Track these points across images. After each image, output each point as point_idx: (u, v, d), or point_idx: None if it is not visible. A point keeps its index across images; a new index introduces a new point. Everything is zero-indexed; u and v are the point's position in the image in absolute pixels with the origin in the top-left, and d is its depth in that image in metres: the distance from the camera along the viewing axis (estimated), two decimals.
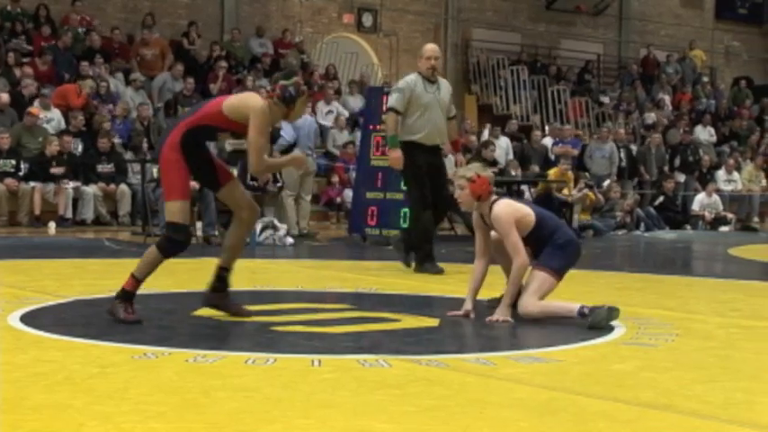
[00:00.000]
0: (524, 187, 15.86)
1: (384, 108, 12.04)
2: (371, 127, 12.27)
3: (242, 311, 5.36)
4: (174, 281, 7.63)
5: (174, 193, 4.97)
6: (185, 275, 8.19)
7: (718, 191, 18.78)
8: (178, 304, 5.96)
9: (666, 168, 19.47)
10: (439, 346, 4.66)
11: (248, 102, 5.03)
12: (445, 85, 8.48)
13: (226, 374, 3.88)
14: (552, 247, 5.54)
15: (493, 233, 5.65)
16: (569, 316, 5.38)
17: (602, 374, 4.07)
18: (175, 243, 5.01)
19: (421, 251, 8.25)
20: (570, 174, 15.56)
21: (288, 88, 5.11)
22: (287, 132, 12.43)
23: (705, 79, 25.71)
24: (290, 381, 3.80)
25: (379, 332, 5.09)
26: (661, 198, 17.79)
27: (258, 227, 11.42)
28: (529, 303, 5.46)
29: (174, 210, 4.93)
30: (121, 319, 4.99)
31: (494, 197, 5.62)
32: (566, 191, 15.09)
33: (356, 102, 18.41)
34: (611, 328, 5.18)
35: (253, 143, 4.95)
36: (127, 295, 5.03)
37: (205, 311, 5.54)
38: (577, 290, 7.32)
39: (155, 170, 11.82)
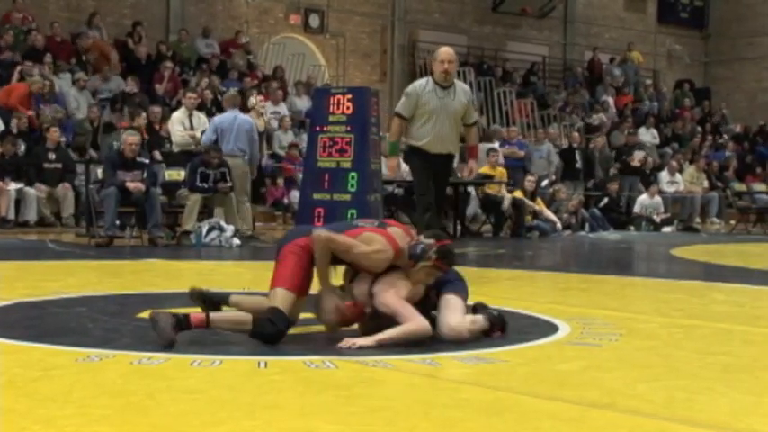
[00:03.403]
0: (471, 189, 15.95)
1: (330, 109, 12.11)
2: (318, 128, 12.21)
3: None
4: (118, 282, 7.57)
5: None
6: (130, 277, 8.13)
7: (660, 192, 19.04)
8: (123, 306, 5.90)
9: (611, 170, 19.69)
10: (385, 347, 4.67)
11: None
12: (461, 91, 7.90)
13: (171, 376, 3.86)
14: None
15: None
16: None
17: (546, 374, 4.10)
18: None
19: None
20: (501, 169, 15.70)
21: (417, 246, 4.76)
22: (206, 133, 12.45)
23: (648, 82, 26.06)
24: (235, 382, 3.79)
25: (325, 333, 5.09)
26: (605, 199, 17.99)
27: (204, 228, 11.36)
28: (462, 323, 4.81)
29: None
30: None
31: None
32: (493, 188, 15.28)
33: (303, 103, 18.37)
34: (555, 329, 5.24)
35: None
36: None
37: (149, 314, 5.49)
38: (522, 290, 7.38)
39: (99, 171, 11.69)
